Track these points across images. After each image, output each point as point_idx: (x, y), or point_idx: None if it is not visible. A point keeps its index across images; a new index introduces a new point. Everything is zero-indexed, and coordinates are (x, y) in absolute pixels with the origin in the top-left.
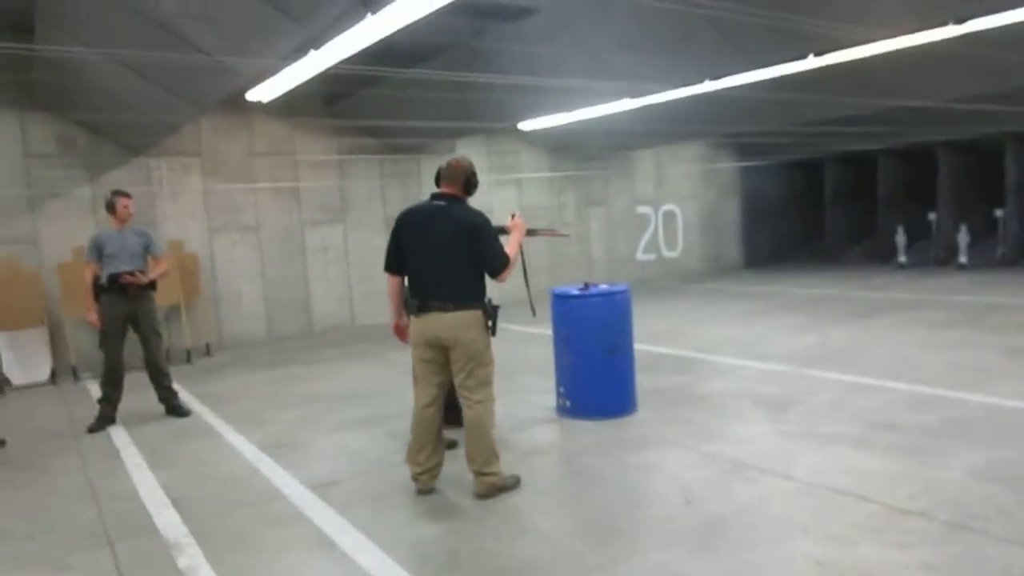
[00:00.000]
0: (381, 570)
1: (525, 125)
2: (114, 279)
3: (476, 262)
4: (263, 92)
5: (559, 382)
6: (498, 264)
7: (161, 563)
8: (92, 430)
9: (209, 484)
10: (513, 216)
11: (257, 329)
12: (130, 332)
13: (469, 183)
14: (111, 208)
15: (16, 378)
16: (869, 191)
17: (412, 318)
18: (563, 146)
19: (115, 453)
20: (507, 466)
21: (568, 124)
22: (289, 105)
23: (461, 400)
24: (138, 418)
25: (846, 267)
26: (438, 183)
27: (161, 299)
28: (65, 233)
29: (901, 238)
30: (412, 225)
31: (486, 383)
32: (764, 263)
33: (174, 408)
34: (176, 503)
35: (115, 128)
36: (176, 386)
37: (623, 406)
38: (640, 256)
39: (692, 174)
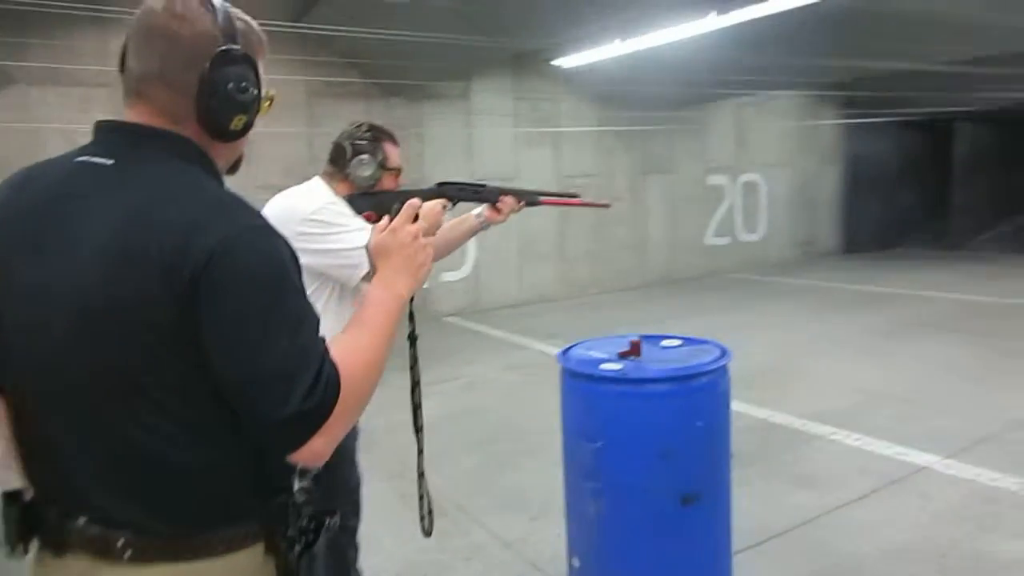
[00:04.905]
0: None
1: (566, 61)
2: None
3: (216, 387)
4: None
5: (572, 544)
6: (280, 394)
7: None
8: None
9: None
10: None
11: None
12: None
13: (212, 86)
14: None
15: None
16: (1015, 158)
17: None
18: (616, 93)
19: None
20: None
21: (625, 57)
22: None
23: None
24: None
25: (980, 256)
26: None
27: None
28: None
29: None
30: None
31: None
32: (867, 249)
33: None
34: None
35: None
36: None
37: None
38: (711, 240)
39: (784, 134)
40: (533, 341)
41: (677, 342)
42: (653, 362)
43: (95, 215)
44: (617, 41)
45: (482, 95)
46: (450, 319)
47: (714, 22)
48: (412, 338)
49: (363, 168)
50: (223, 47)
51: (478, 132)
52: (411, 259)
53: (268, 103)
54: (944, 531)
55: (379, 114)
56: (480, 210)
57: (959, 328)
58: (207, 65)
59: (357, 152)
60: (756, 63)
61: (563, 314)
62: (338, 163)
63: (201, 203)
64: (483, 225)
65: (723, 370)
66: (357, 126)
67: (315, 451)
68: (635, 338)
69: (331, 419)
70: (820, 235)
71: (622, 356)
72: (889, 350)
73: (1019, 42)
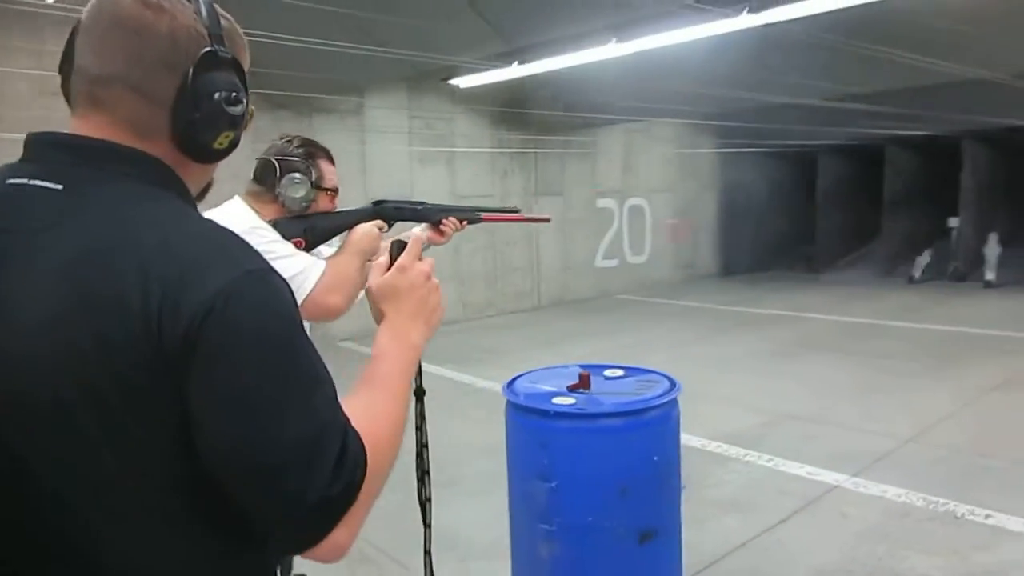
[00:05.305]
0: None
1: (462, 81)
2: None
3: (190, 465)
4: None
5: None
6: (299, 478)
7: None
8: None
9: None
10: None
11: None
12: None
13: (197, 95)
14: None
15: None
16: (870, 188)
17: None
18: (510, 114)
19: None
20: None
21: (521, 79)
22: None
23: None
24: None
25: (841, 280)
26: (66, 97)
27: None
28: None
29: (924, 259)
30: None
31: None
32: (743, 271)
33: None
34: None
35: None
36: None
37: None
38: (600, 262)
39: (667, 161)
40: (432, 366)
41: (620, 372)
42: (604, 395)
43: (44, 252)
44: (515, 64)
45: (375, 111)
46: (345, 344)
47: (613, 50)
48: (419, 393)
49: (295, 188)
50: (209, 48)
51: (371, 149)
52: (424, 303)
53: (249, 118)
54: (868, 549)
55: (265, 128)
56: (419, 230)
57: (835, 347)
58: (191, 69)
59: (288, 169)
60: (647, 90)
61: (460, 336)
62: (265, 182)
63: (189, 241)
64: (424, 247)
65: (674, 402)
66: (287, 140)
67: (338, 545)
68: (582, 369)
69: (356, 503)
70: (700, 258)
71: (572, 389)
72: (778, 370)
73: (881, 81)
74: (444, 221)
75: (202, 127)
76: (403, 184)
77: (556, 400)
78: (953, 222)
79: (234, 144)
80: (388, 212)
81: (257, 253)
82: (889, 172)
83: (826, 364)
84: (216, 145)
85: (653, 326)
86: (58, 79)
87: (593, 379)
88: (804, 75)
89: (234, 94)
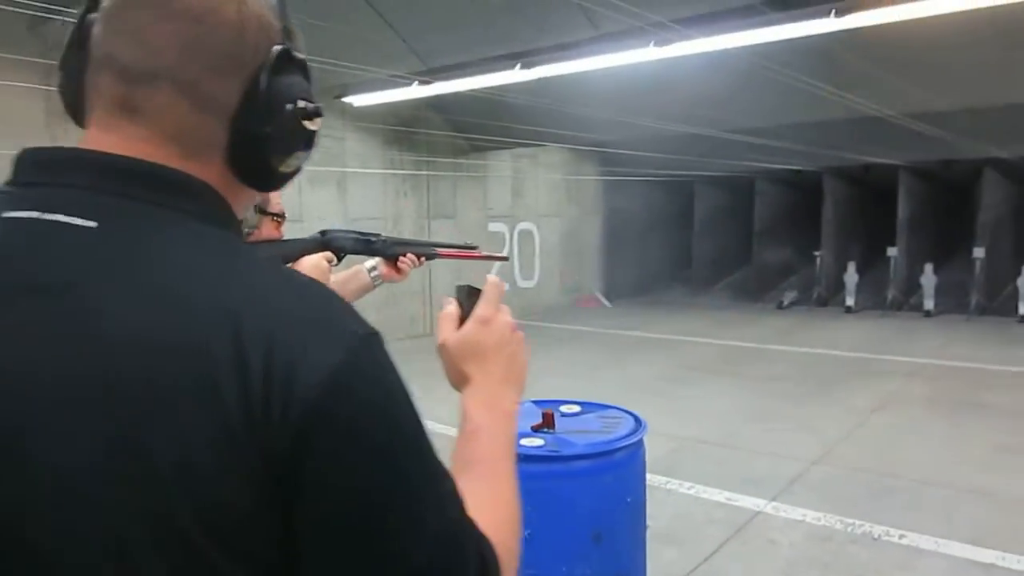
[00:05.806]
0: None
1: (356, 99)
2: None
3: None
4: None
5: None
6: None
7: None
8: None
9: None
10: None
11: None
12: None
13: (270, 104)
14: None
15: None
16: (742, 217)
17: None
18: (404, 134)
19: None
20: None
21: (416, 100)
22: None
23: None
24: None
25: (717, 304)
26: (67, 99)
27: None
28: None
29: (791, 294)
30: None
31: None
32: (625, 295)
33: None
34: None
35: None
36: None
37: None
38: None
39: (554, 186)
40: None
41: (577, 408)
42: (571, 434)
43: (77, 318)
44: (415, 83)
45: None
46: None
47: (517, 75)
48: None
49: None
50: (283, 45)
51: None
52: (514, 360)
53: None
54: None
55: None
56: (373, 264)
57: (725, 371)
58: (262, 70)
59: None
60: (541, 114)
61: None
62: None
63: (284, 295)
64: (376, 283)
65: (642, 440)
66: None
67: None
68: (543, 407)
69: None
70: (586, 282)
71: (536, 429)
72: (677, 394)
73: (773, 115)
74: (402, 257)
75: (274, 145)
76: (292, 205)
77: (524, 442)
78: (817, 251)
79: (299, 169)
80: (338, 244)
81: (355, 310)
82: (759, 203)
83: (721, 387)
84: (283, 169)
85: (549, 353)
86: None
87: (564, 418)
88: (702, 105)
89: (314, 106)
